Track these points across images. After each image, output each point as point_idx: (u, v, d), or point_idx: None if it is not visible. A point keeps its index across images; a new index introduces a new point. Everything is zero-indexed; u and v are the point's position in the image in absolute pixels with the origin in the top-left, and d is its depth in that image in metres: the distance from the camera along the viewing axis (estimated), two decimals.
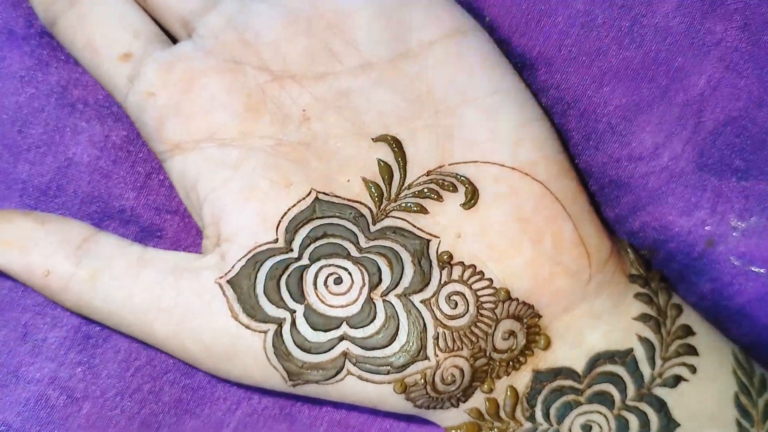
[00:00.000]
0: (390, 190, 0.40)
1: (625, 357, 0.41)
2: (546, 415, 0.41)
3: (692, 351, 0.42)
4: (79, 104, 0.44)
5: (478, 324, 0.39)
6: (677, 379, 0.41)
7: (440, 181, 0.40)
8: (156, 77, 0.40)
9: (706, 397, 0.41)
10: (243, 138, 0.39)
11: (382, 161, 0.40)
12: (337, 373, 0.38)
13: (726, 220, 0.47)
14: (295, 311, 0.38)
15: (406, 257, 0.39)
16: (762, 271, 0.47)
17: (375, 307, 0.38)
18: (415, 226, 0.39)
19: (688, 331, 0.42)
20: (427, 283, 0.39)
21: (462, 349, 0.38)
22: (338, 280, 0.38)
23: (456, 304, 0.39)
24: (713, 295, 0.47)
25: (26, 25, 0.44)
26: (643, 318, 0.41)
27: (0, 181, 0.43)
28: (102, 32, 0.40)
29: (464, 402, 0.40)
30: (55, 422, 0.44)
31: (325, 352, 0.38)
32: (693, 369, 0.41)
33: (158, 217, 0.44)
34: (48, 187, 0.44)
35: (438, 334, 0.38)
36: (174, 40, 0.42)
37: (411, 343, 0.38)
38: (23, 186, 0.43)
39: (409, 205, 0.39)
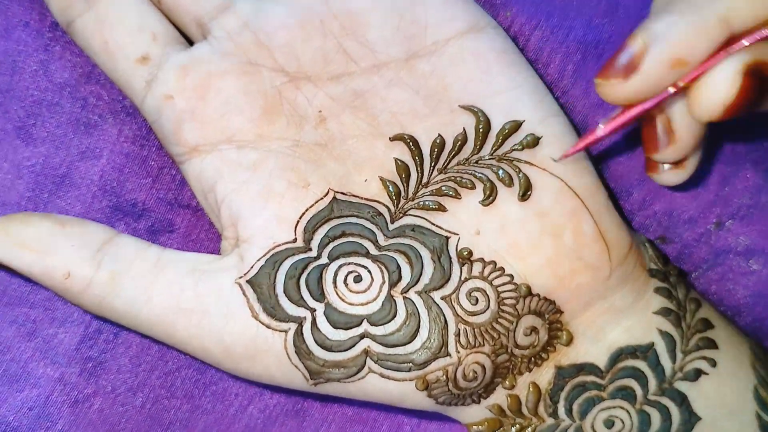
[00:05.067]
0: (408, 188, 0.40)
1: (646, 351, 0.41)
2: (569, 411, 0.41)
3: (712, 344, 0.42)
4: (92, 98, 0.44)
5: (499, 320, 0.39)
6: (698, 373, 0.41)
7: (458, 179, 0.39)
8: (174, 81, 0.40)
9: (727, 390, 0.41)
10: (260, 140, 0.39)
11: (400, 160, 0.40)
12: (359, 371, 0.38)
13: (731, 206, 0.47)
14: (315, 310, 0.38)
15: (425, 254, 0.39)
16: (755, 267, 0.47)
17: (395, 304, 0.38)
18: (433, 224, 0.39)
19: (707, 324, 0.42)
20: (448, 280, 0.38)
21: (483, 345, 0.38)
22: (358, 278, 0.38)
23: (477, 300, 0.38)
24: (721, 284, 0.47)
25: (40, 18, 0.43)
26: (664, 312, 0.41)
27: (13, 174, 0.43)
28: (120, 35, 0.40)
29: (485, 398, 0.40)
30: (65, 419, 0.44)
31: (346, 350, 0.38)
32: (713, 362, 0.41)
33: (170, 211, 0.44)
34: (61, 180, 0.43)
35: (459, 330, 0.38)
36: (190, 42, 0.42)
37: (432, 340, 0.38)
38: (36, 179, 0.43)
39: (427, 203, 0.39)
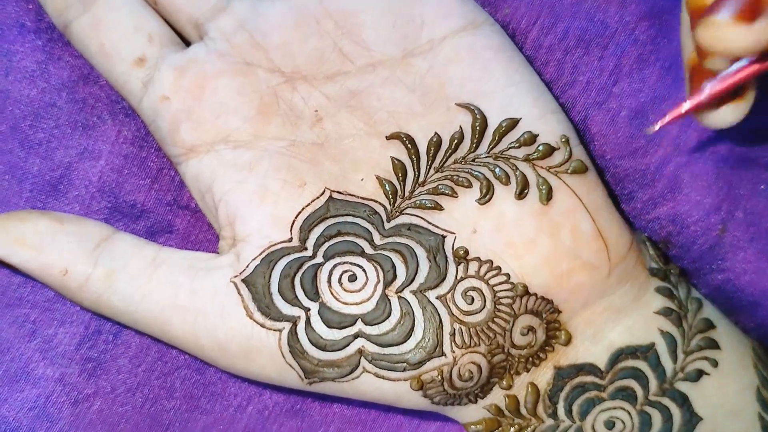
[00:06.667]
0: (404, 187, 0.39)
1: (647, 352, 0.40)
2: (569, 412, 0.40)
3: (714, 345, 0.41)
4: (91, 99, 0.44)
5: (495, 319, 0.38)
6: (699, 374, 0.41)
7: (455, 177, 0.39)
8: (170, 82, 0.40)
9: (728, 391, 0.41)
10: (256, 140, 0.40)
11: (396, 159, 0.40)
12: (353, 370, 0.38)
13: (737, 209, 0.46)
14: (309, 309, 0.38)
15: (421, 253, 0.38)
16: (760, 270, 0.47)
17: (390, 303, 0.38)
18: (429, 223, 0.39)
19: (709, 324, 0.42)
20: (443, 279, 0.38)
21: (479, 345, 0.38)
22: (353, 278, 0.38)
23: (473, 299, 0.38)
24: (726, 286, 0.47)
25: (37, 19, 0.43)
26: (665, 312, 0.41)
27: (11, 176, 0.43)
28: (116, 37, 0.40)
29: (482, 398, 0.40)
30: (65, 419, 0.44)
31: (340, 349, 0.38)
32: (715, 363, 0.41)
33: (169, 212, 0.44)
34: (59, 181, 0.43)
35: (454, 330, 0.38)
36: (186, 42, 0.42)
37: (427, 340, 0.38)
38: (34, 180, 0.43)
39: (423, 201, 0.39)
